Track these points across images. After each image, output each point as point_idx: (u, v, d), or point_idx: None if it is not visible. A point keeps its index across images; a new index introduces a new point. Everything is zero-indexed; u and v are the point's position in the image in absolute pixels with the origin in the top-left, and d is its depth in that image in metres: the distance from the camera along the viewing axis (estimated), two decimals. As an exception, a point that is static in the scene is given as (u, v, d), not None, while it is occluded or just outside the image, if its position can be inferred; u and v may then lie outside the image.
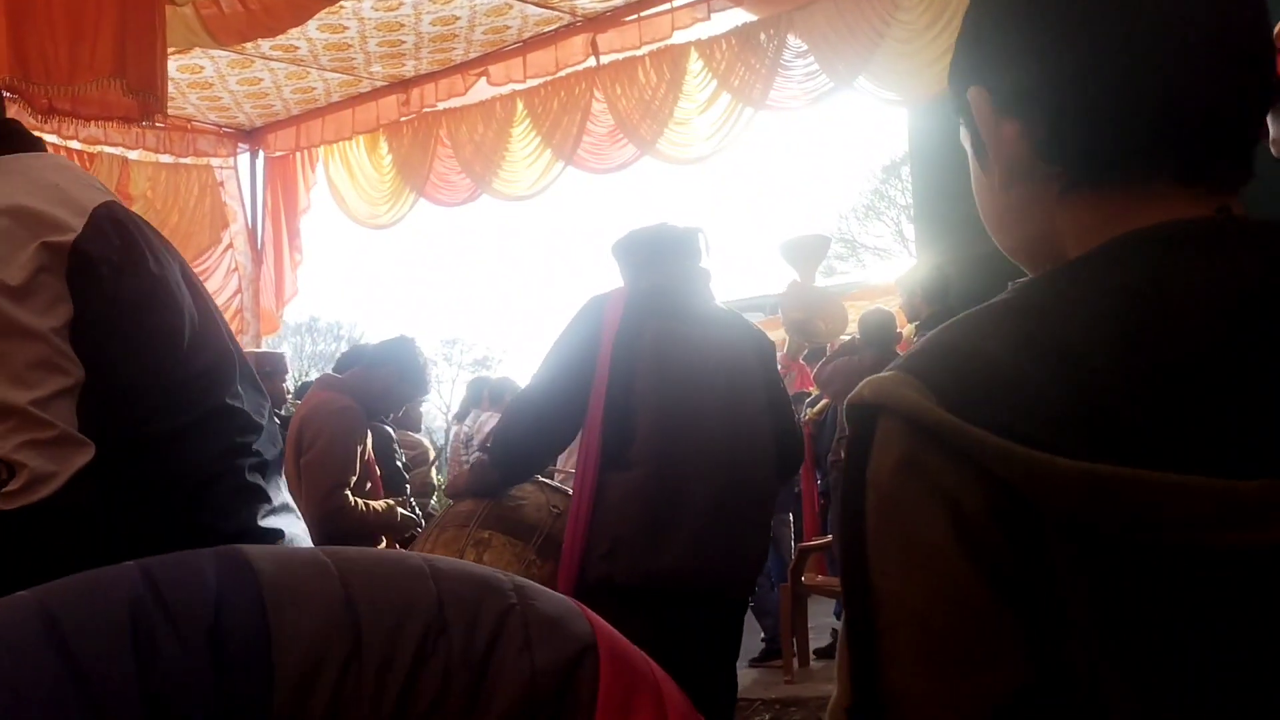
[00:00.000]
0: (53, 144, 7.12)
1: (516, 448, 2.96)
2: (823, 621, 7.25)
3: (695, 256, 3.05)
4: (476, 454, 3.28)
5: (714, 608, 2.83)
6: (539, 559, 2.93)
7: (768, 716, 5.47)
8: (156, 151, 7.71)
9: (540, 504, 3.08)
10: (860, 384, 0.69)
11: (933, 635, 0.63)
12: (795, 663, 6.29)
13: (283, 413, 4.79)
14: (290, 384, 5.30)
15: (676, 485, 2.74)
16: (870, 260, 29.10)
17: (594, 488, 2.77)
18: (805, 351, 7.57)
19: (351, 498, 3.57)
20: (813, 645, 6.73)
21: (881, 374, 0.69)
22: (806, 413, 7.14)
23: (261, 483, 1.72)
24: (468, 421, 7.89)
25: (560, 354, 2.92)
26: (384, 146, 7.38)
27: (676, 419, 2.79)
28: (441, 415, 29.66)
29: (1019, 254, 0.82)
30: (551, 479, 3.52)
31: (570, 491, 2.89)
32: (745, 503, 2.85)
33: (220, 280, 8.17)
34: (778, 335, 9.91)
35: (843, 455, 0.75)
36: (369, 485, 3.74)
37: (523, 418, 2.95)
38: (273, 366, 5.07)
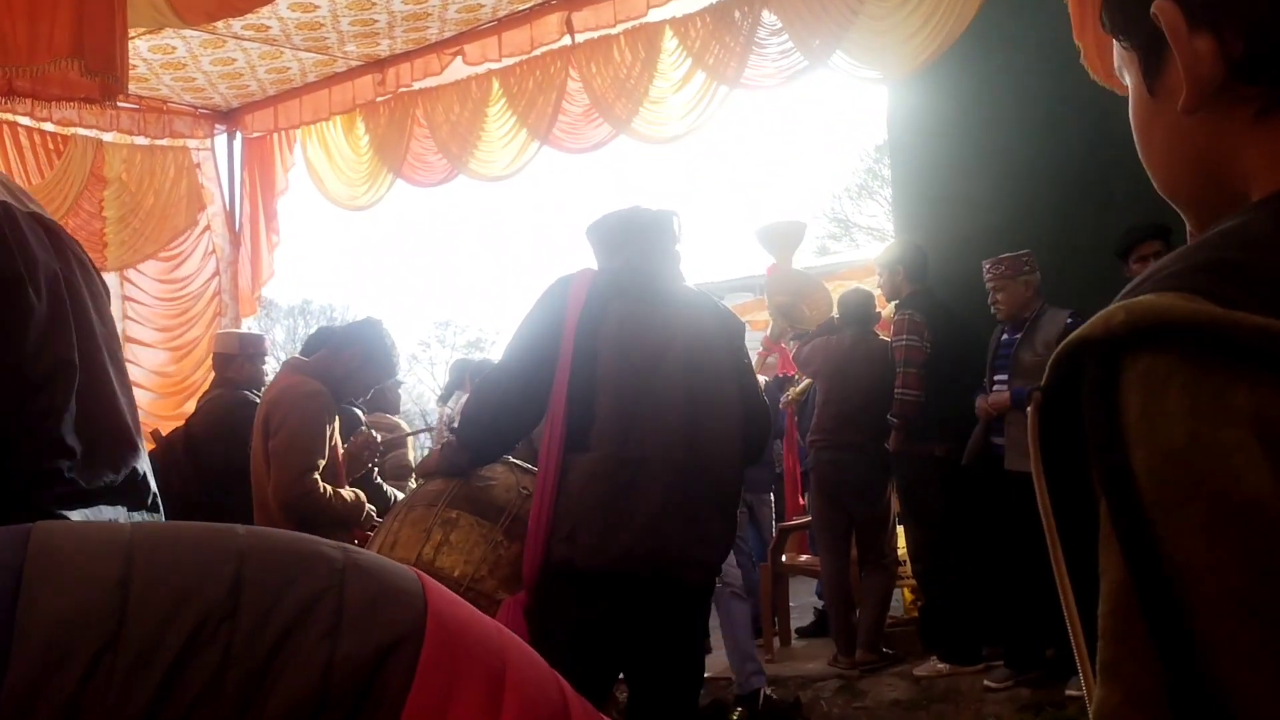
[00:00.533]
0: (25, 126, 7.06)
1: (483, 428, 2.96)
2: (804, 601, 7.27)
3: (668, 239, 3.04)
4: (447, 435, 3.27)
5: (674, 591, 2.82)
6: (506, 540, 2.92)
7: (747, 695, 5.47)
8: (131, 133, 7.63)
9: (510, 485, 3.07)
10: (1104, 313, 0.57)
11: (1274, 614, 0.51)
12: (776, 642, 6.31)
13: (259, 394, 4.78)
14: (271, 367, 5.26)
15: (634, 468, 2.74)
16: (864, 240, 28.98)
17: (557, 469, 2.78)
18: (789, 335, 7.56)
19: (320, 483, 3.55)
20: (794, 624, 6.76)
21: (1134, 298, 0.56)
22: (789, 394, 7.15)
23: (71, 516, 1.66)
24: (450, 403, 7.86)
25: (525, 334, 2.92)
26: (361, 127, 7.32)
27: (636, 401, 2.79)
28: (434, 397, 29.61)
29: (1185, 191, 0.74)
30: None
31: (539, 471, 2.88)
32: (705, 486, 2.85)
33: (198, 263, 8.11)
34: (766, 316, 9.90)
35: (1031, 410, 0.60)
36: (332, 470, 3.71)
37: (489, 398, 2.95)
38: (255, 349, 5.04)
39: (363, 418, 4.38)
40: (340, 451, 3.79)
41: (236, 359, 4.91)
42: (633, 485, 2.74)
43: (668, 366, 2.85)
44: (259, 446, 3.70)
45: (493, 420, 2.94)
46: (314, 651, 0.70)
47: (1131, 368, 0.55)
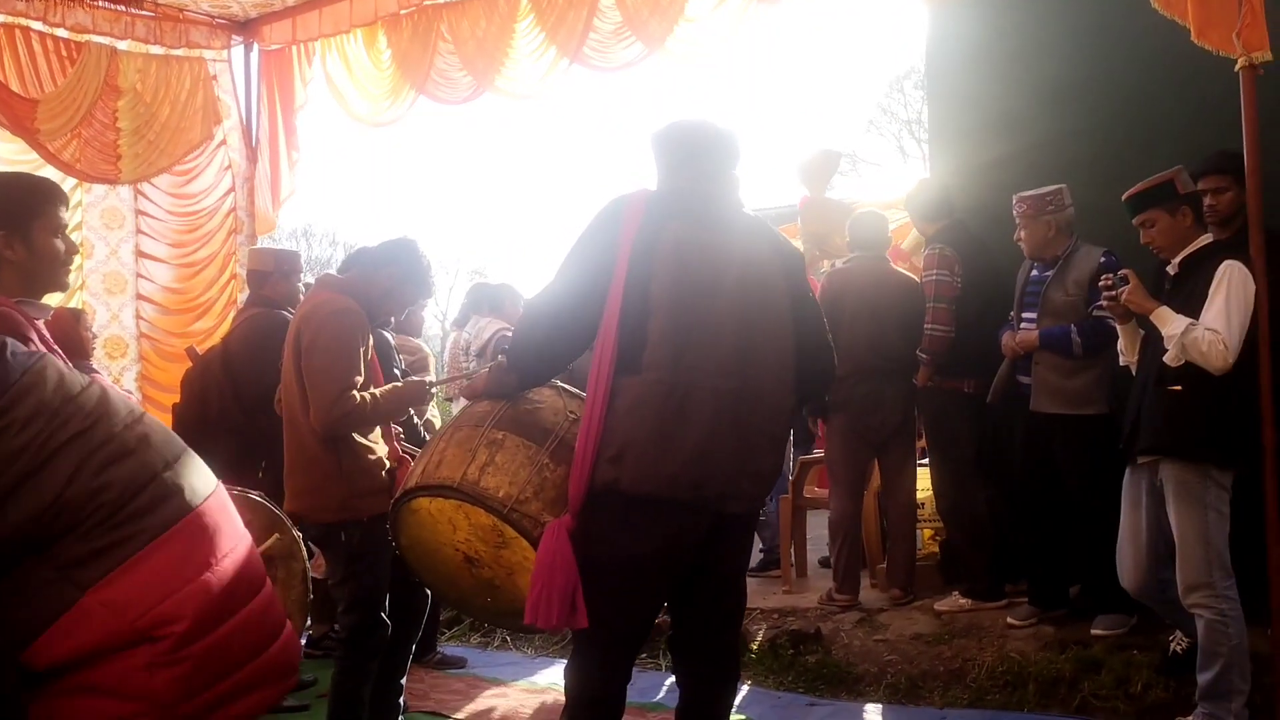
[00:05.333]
0: (38, 31, 6.88)
1: (534, 348, 2.89)
2: (820, 533, 7.27)
3: (731, 159, 2.96)
4: (499, 357, 3.19)
5: (720, 519, 2.78)
6: (552, 462, 2.89)
7: (765, 625, 5.48)
8: (147, 42, 7.43)
9: (558, 408, 3.03)
10: None
11: None
12: (793, 573, 6.32)
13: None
14: (303, 285, 5.14)
15: (684, 394, 2.69)
16: (870, 174, 28.93)
17: (607, 392, 2.72)
18: (820, 266, 7.47)
19: (358, 395, 3.48)
20: (811, 556, 6.77)
21: None
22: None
23: None
24: (468, 328, 7.78)
25: (579, 255, 2.84)
26: (383, 41, 7.11)
27: (689, 326, 2.72)
28: (437, 323, 29.59)
29: None
30: None
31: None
32: (755, 417, 2.80)
33: (212, 178, 7.96)
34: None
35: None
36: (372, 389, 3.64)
37: (540, 319, 2.88)
38: (290, 266, 4.93)
39: (392, 340, 4.29)
40: (378, 369, 3.72)
41: (271, 276, 4.81)
42: (682, 411, 2.68)
43: (722, 292, 2.77)
44: (290, 364, 3.63)
45: (544, 341, 2.87)
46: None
47: None
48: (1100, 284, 4.01)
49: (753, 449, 2.80)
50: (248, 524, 3.04)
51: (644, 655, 5.00)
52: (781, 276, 2.92)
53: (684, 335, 2.72)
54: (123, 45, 7.35)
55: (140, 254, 7.88)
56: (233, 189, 8.00)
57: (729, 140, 2.96)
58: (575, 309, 2.79)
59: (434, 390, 3.90)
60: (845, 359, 5.59)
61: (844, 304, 5.59)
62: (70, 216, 7.61)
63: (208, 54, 7.76)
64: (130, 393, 7.01)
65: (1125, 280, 3.86)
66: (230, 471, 4.14)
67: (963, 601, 5.32)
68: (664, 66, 6.10)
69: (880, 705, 4.57)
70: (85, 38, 7.13)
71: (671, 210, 2.82)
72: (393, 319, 4.22)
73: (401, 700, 4.03)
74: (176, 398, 4.93)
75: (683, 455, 2.67)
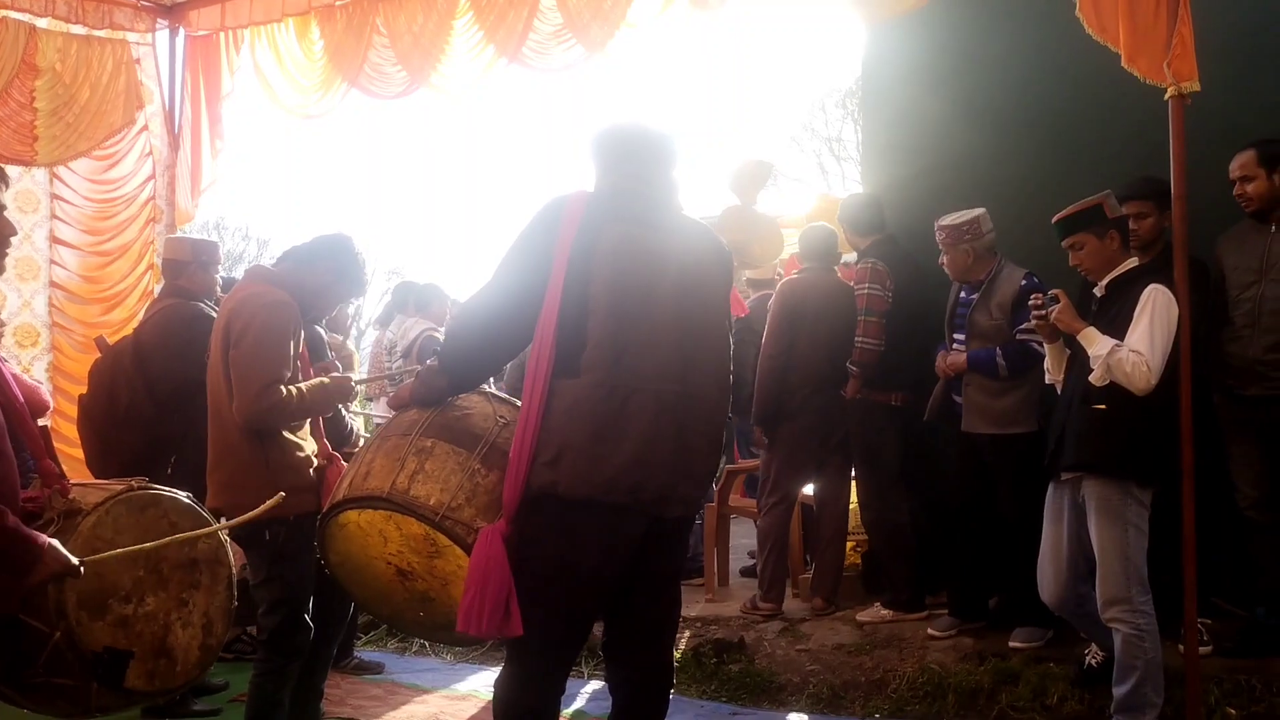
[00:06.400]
0: (-48, 5, 6.60)
1: (469, 350, 2.85)
2: (741, 542, 7.30)
3: (669, 161, 2.94)
4: (429, 360, 3.13)
5: (658, 523, 2.76)
6: (483, 468, 2.84)
7: (689, 634, 5.48)
8: (68, 21, 7.15)
9: (487, 414, 2.98)
10: None
11: None
12: (716, 581, 6.33)
13: (215, 305, 4.53)
14: (220, 276, 4.97)
15: (625, 396, 2.67)
16: (790, 190, 29.44)
17: (544, 395, 2.68)
18: (742, 275, 7.51)
19: (285, 389, 3.38)
20: (733, 565, 6.78)
21: None
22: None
23: None
24: (392, 327, 7.66)
25: (516, 256, 2.79)
26: (315, 32, 6.94)
27: (629, 328, 2.70)
28: (353, 321, 29.10)
29: None
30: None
31: (519, 403, 2.78)
32: (696, 421, 2.79)
33: (132, 165, 7.69)
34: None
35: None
36: None
37: (475, 321, 2.83)
38: (209, 256, 4.75)
39: (325, 336, 4.19)
40: (308, 367, 3.62)
41: (189, 266, 4.65)
42: (622, 414, 2.66)
43: (662, 294, 2.76)
44: (218, 358, 3.52)
45: (479, 343, 2.82)
46: None
47: None
48: (1030, 303, 4.09)
49: (692, 452, 2.78)
50: (172, 526, 2.96)
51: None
52: (720, 279, 2.94)
53: (624, 337, 2.69)
54: (42, 23, 7.06)
55: (55, 240, 7.60)
56: (153, 176, 7.73)
57: (666, 142, 2.94)
58: (511, 311, 2.75)
59: (359, 387, 3.82)
60: (803, 369, 5.63)
61: (804, 315, 5.62)
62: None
63: (131, 36, 7.49)
64: (40, 383, 6.74)
65: (1055, 300, 3.94)
66: (138, 467, 4.00)
67: (884, 612, 5.38)
68: (604, 70, 6.07)
69: (803, 715, 4.59)
70: (2, 13, 6.84)
71: (612, 211, 2.79)
72: (327, 316, 4.13)
73: (320, 705, 3.93)
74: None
75: (621, 458, 2.65)
